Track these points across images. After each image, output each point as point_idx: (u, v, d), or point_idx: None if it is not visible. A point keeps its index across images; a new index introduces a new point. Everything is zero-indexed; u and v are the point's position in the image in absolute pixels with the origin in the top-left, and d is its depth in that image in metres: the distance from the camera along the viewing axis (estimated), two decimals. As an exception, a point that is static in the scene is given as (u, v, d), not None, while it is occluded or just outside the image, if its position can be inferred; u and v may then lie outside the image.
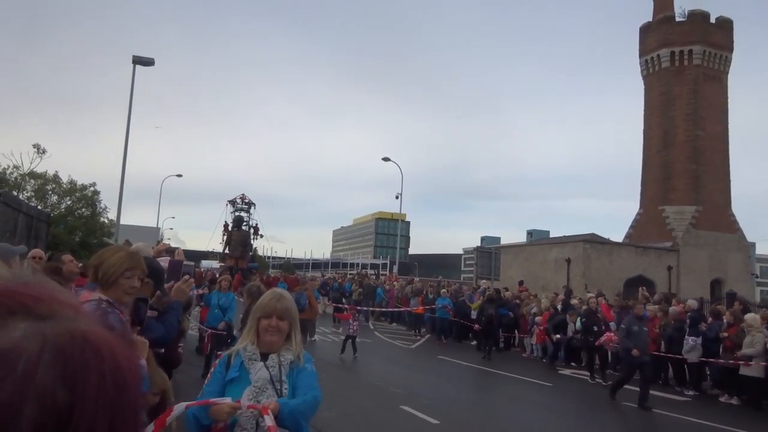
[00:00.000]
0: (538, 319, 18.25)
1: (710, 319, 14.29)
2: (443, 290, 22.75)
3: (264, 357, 3.00)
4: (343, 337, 15.73)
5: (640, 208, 43.27)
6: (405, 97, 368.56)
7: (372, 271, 62.66)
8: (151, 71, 23.20)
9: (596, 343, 14.17)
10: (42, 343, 0.50)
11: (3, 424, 0.46)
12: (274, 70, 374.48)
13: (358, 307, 26.33)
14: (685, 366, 14.06)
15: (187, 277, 4.10)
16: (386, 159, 40.38)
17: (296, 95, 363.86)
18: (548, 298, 19.52)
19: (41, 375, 0.48)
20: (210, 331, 11.14)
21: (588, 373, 14.72)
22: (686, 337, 13.72)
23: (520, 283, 25.29)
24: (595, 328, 14.72)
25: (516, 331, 20.01)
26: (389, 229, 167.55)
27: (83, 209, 34.52)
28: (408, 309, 23.94)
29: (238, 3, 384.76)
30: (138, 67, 22.24)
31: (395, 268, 49.72)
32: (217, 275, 21.81)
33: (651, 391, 13.07)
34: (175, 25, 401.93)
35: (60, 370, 0.49)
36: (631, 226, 43.44)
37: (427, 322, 22.87)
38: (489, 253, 29.23)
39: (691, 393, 13.37)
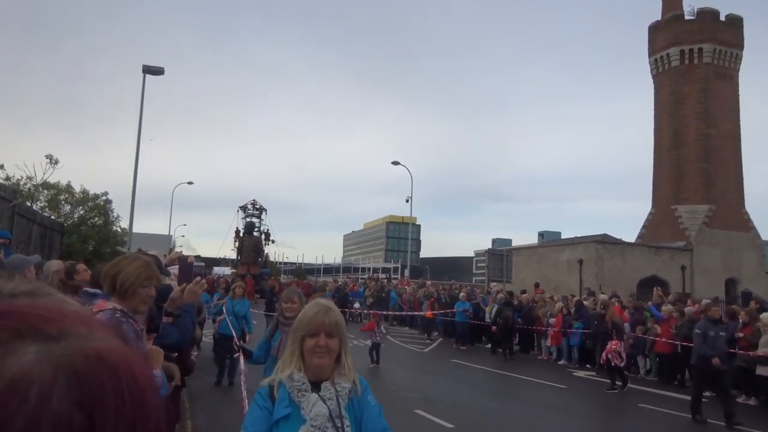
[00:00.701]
0: (552, 321, 18.19)
1: (725, 319, 14.15)
2: (462, 294, 22.30)
3: (315, 386, 2.50)
4: (369, 345, 14.90)
5: (652, 208, 42.97)
6: (415, 100, 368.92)
7: (383, 275, 62.65)
8: (161, 80, 23.36)
9: (601, 357, 13.39)
10: (55, 367, 0.47)
11: None
12: (284, 76, 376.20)
13: (370, 311, 26.21)
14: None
15: (198, 278, 4.10)
16: (396, 163, 40.38)
17: (306, 100, 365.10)
18: (564, 299, 19.43)
19: (56, 402, 0.46)
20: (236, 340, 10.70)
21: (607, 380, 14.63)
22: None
23: (536, 285, 25.13)
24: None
25: (534, 335, 19.89)
26: (400, 233, 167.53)
27: (96, 218, 34.82)
28: (420, 313, 23.75)
29: (248, 9, 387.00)
30: (148, 76, 22.42)
31: (407, 272, 49.67)
32: (229, 281, 21.89)
33: (667, 393, 13.00)
34: (185, 33, 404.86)
35: (76, 395, 0.47)
36: (644, 226, 43.14)
37: (439, 326, 22.81)
38: (501, 255, 29.15)
39: (707, 394, 13.22)
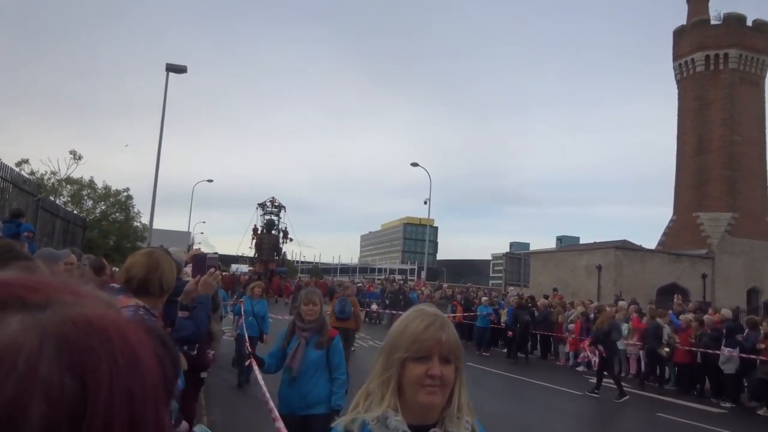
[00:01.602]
0: (571, 326, 18.05)
1: (747, 330, 13.93)
2: (485, 298, 21.90)
3: None
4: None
5: (673, 215, 42.45)
6: (434, 102, 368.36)
7: (400, 277, 62.61)
8: (183, 78, 23.56)
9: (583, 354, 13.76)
10: (41, 334, 0.46)
11: (12, 424, 0.43)
12: (304, 76, 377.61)
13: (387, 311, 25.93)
14: (722, 377, 13.72)
15: (213, 270, 4.08)
16: (415, 164, 40.35)
17: (325, 100, 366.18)
18: (583, 305, 19.27)
19: (45, 368, 0.44)
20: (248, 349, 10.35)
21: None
22: (722, 347, 13.40)
23: (555, 290, 24.95)
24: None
25: (551, 340, 19.73)
26: (417, 235, 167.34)
27: (117, 214, 35.20)
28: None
29: (268, 10, 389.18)
30: (171, 74, 22.64)
31: (423, 274, 49.60)
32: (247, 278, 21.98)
33: (685, 403, 12.84)
34: (207, 33, 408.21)
35: (65, 361, 0.45)
36: (664, 233, 42.63)
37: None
38: (518, 259, 29.07)
39: (727, 405, 13.03)
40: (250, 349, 6.96)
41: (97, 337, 0.48)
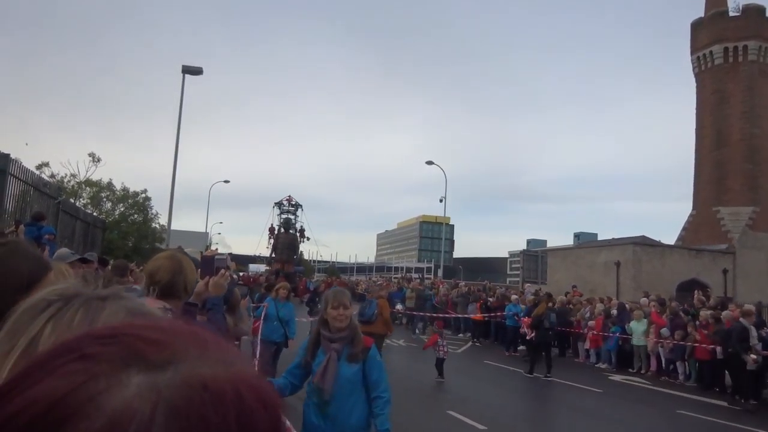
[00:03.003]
0: (591, 323, 17.92)
1: (769, 325, 13.73)
2: (514, 297, 21.30)
3: None
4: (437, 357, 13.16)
5: (693, 210, 41.93)
6: (450, 100, 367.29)
7: (416, 275, 62.53)
8: (200, 78, 23.73)
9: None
10: (155, 402, 0.44)
11: None
12: (320, 75, 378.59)
13: (413, 312, 24.61)
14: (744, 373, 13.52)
15: (223, 271, 4.13)
16: (430, 162, 40.27)
17: (340, 100, 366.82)
18: (603, 302, 19.13)
19: None
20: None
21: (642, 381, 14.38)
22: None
23: (574, 287, 24.74)
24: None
25: (569, 337, 19.57)
26: (433, 233, 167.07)
27: (136, 215, 35.59)
28: (466, 315, 22.81)
29: (283, 10, 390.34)
30: (188, 76, 22.82)
31: (440, 272, 49.51)
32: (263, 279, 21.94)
33: (706, 399, 12.70)
34: (224, 32, 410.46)
35: (174, 430, 0.43)
36: (684, 228, 42.13)
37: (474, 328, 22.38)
38: (536, 256, 28.88)
39: (749, 401, 12.85)
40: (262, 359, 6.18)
41: (211, 404, 0.45)
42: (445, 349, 13.08)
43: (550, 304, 16.01)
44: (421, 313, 24.00)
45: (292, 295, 11.08)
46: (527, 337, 15.90)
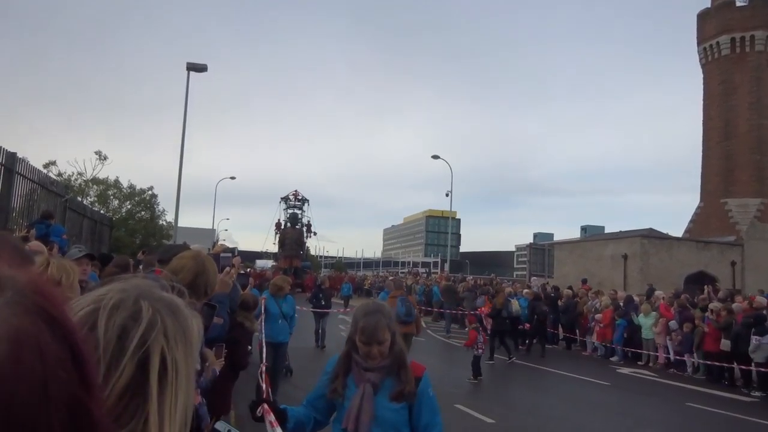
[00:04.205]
0: (598, 316, 17.88)
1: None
2: (526, 291, 20.72)
3: None
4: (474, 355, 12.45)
5: (700, 202, 41.72)
6: (455, 94, 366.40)
7: (423, 269, 62.54)
8: (206, 75, 23.72)
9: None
10: (26, 312, 0.49)
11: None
12: (326, 71, 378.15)
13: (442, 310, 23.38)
14: (752, 366, 13.49)
15: (228, 269, 4.14)
16: (436, 157, 40.18)
17: (346, 95, 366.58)
18: (609, 295, 19.07)
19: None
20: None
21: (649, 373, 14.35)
22: (752, 336, 13.15)
23: (584, 281, 24.63)
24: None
25: (576, 330, 19.52)
26: (440, 227, 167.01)
27: (142, 212, 35.74)
28: (480, 311, 22.24)
29: (289, 6, 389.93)
30: (192, 73, 22.82)
31: (446, 266, 49.49)
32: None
33: (715, 392, 12.66)
34: (228, 31, 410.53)
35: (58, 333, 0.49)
36: (691, 221, 41.94)
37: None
38: (542, 249, 28.87)
39: (758, 394, 12.82)
40: (263, 385, 5.56)
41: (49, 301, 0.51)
42: (482, 347, 12.52)
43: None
44: (450, 311, 22.88)
45: (290, 289, 10.21)
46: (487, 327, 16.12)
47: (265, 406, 2.93)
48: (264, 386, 5.59)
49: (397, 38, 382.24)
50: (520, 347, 17.48)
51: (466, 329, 17.70)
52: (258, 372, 8.45)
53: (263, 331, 8.70)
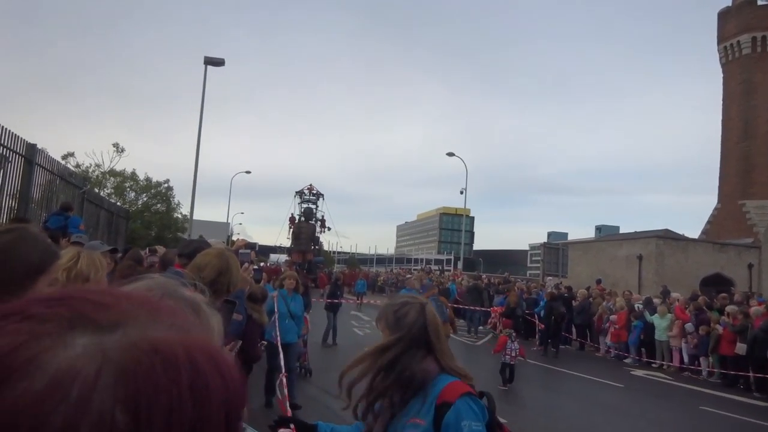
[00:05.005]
0: (613, 317, 17.77)
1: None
2: (549, 290, 20.14)
3: None
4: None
5: (717, 203, 41.31)
6: (470, 92, 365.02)
7: (436, 267, 62.49)
8: (222, 69, 23.82)
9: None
10: (101, 361, 0.42)
11: None
12: (340, 65, 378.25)
13: (467, 306, 21.78)
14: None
15: (246, 265, 4.16)
16: (451, 154, 40.08)
17: (361, 90, 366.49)
18: (624, 296, 18.94)
19: (97, 400, 0.41)
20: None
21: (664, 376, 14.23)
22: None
23: (598, 281, 24.48)
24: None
25: (589, 331, 19.41)
26: (453, 225, 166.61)
27: (158, 205, 35.99)
28: (494, 311, 21.09)
29: (301, 3, 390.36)
30: (209, 67, 22.93)
31: (460, 264, 49.39)
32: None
33: (729, 396, 12.54)
34: (246, 22, 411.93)
35: (121, 394, 0.42)
36: (708, 222, 41.54)
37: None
38: (556, 249, 28.66)
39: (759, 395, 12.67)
40: (281, 404, 5.03)
41: (161, 367, 0.43)
42: (514, 354, 11.55)
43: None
44: (476, 307, 21.31)
45: (300, 288, 9.57)
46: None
47: (292, 426, 2.33)
48: (282, 398, 5.13)
49: (412, 32, 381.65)
50: (533, 348, 17.40)
51: (497, 333, 17.53)
52: (265, 373, 8.44)
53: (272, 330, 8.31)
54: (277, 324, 8.29)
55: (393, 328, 2.17)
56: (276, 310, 8.53)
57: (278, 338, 8.12)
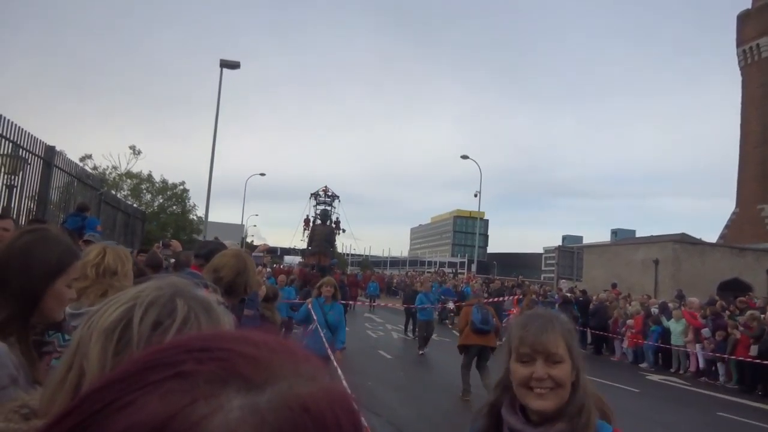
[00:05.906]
0: (630, 322, 17.62)
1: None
2: (568, 293, 20.23)
3: None
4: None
5: (736, 207, 40.83)
6: (486, 93, 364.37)
7: (450, 270, 62.33)
8: (237, 73, 24.00)
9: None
10: (259, 427, 0.42)
11: None
12: (356, 67, 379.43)
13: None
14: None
15: (261, 267, 4.21)
16: (465, 157, 40.01)
17: (374, 93, 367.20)
18: (639, 300, 18.79)
19: None
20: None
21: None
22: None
23: (614, 285, 24.27)
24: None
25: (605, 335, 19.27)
26: (467, 228, 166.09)
27: (174, 207, 36.32)
28: (510, 313, 21.57)
29: (317, 3, 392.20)
30: (225, 69, 23.10)
31: (474, 267, 49.23)
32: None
33: (747, 402, 12.37)
34: (262, 24, 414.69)
35: None
36: (726, 226, 41.08)
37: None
38: (571, 252, 28.42)
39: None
40: None
41: (313, 425, 0.43)
42: None
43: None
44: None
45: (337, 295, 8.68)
46: None
47: None
48: None
49: (427, 35, 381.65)
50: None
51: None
52: None
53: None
54: (321, 334, 7.64)
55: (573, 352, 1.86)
56: (314, 318, 7.88)
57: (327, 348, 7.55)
